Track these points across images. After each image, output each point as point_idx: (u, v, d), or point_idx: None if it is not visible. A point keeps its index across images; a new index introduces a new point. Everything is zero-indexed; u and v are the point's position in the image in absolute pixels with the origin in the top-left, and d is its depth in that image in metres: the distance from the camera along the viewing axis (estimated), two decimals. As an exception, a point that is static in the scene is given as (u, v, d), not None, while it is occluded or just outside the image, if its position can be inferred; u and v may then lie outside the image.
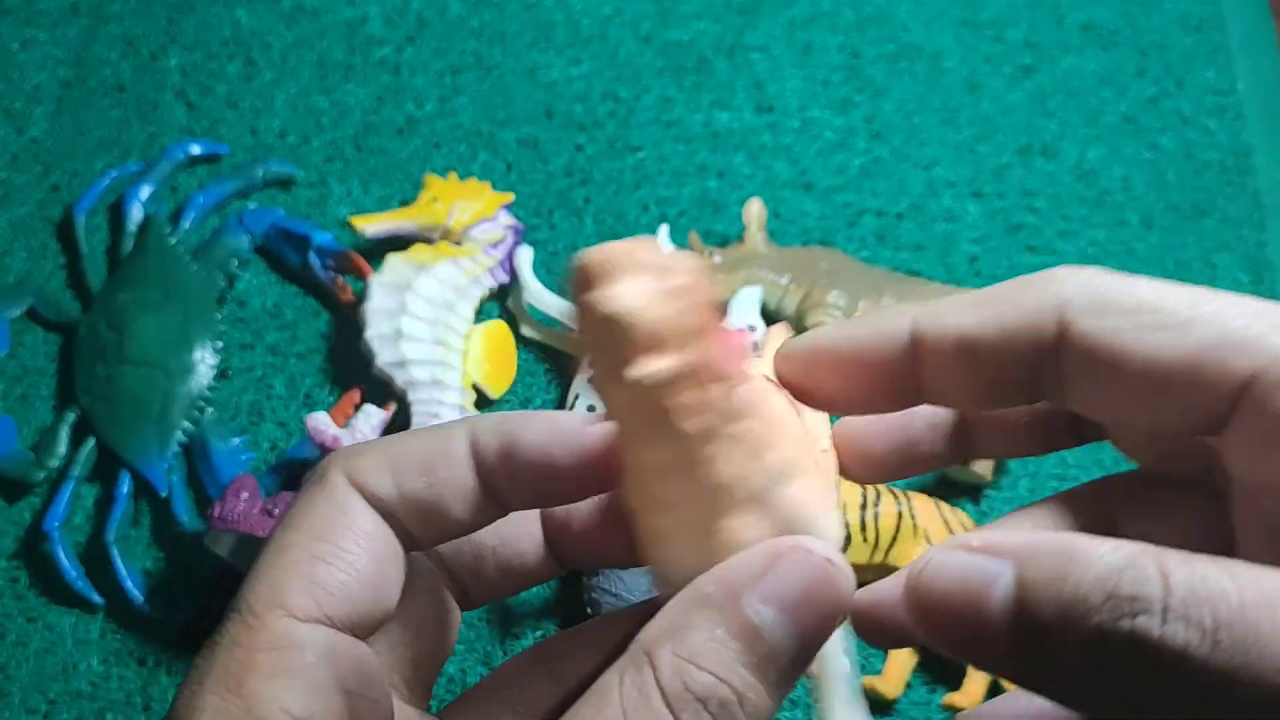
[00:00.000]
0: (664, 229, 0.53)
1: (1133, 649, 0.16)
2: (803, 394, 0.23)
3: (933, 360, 0.21)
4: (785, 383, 0.23)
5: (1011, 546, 0.18)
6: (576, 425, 0.22)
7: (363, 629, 0.21)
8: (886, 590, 0.23)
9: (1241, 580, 0.16)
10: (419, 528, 0.22)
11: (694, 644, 0.19)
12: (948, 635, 0.18)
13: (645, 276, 0.20)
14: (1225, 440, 0.20)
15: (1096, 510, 0.24)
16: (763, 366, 0.23)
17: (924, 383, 0.22)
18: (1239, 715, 0.16)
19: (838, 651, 0.21)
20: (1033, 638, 0.17)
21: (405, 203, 0.55)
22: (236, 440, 0.49)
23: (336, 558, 0.21)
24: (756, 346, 0.47)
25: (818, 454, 0.23)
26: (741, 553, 0.20)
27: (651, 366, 0.19)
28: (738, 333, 0.21)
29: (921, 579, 0.18)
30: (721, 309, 0.21)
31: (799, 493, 0.21)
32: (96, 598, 0.47)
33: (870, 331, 0.22)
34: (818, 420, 0.24)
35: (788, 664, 0.19)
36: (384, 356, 0.48)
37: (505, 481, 0.22)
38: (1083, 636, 0.17)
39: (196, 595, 0.47)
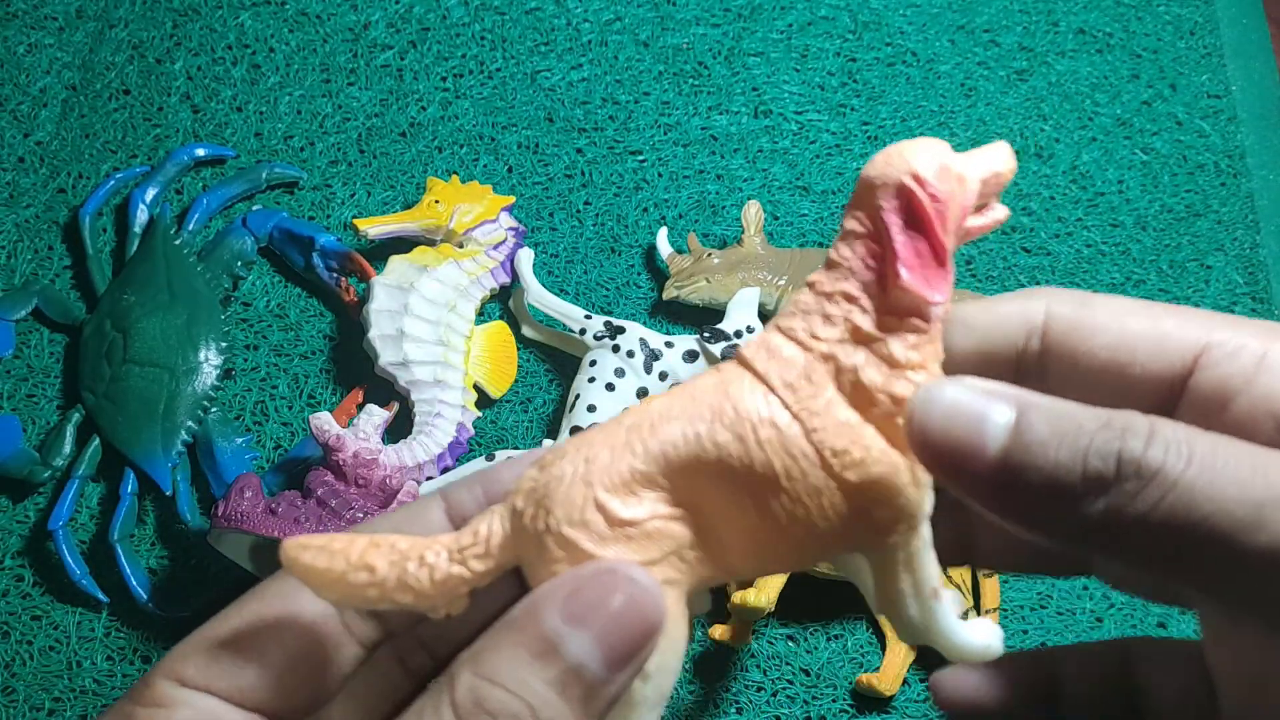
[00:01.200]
0: (663, 231, 0.54)
1: (1121, 470, 0.18)
2: None
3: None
4: None
5: (1009, 391, 0.20)
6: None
7: (264, 710, 0.22)
8: None
9: (1214, 435, 0.19)
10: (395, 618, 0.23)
11: (492, 662, 0.20)
12: (942, 468, 0.20)
13: None
14: (1177, 417, 0.22)
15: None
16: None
17: None
18: (1198, 533, 0.18)
19: (658, 674, 0.21)
20: (1021, 472, 0.19)
21: (408, 205, 0.56)
22: (241, 440, 0.50)
23: (250, 646, 0.22)
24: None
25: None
26: (553, 577, 0.20)
27: None
28: None
29: (925, 406, 0.20)
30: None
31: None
32: (101, 596, 0.47)
33: None
34: None
35: (594, 681, 0.20)
36: (387, 357, 0.49)
37: None
38: (1074, 453, 0.18)
39: (201, 593, 0.48)
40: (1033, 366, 0.23)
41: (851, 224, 0.21)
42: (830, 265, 0.21)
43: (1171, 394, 0.22)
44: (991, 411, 0.19)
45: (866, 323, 0.20)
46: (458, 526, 0.23)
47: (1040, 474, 0.19)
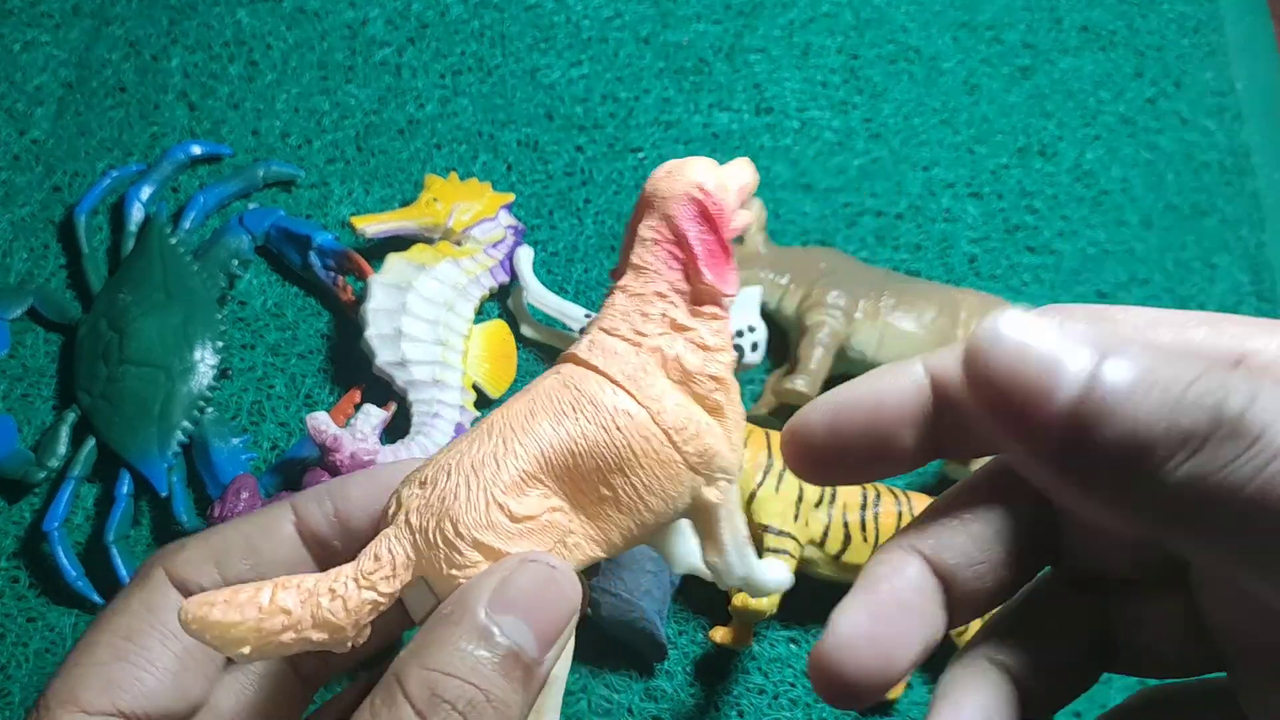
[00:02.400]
0: (664, 229, 0.54)
1: (1219, 428, 0.15)
2: (825, 465, 0.22)
3: (950, 400, 0.21)
4: (809, 457, 0.23)
5: (1100, 338, 0.17)
6: (394, 476, 0.24)
7: (176, 716, 0.23)
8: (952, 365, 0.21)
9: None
10: None
11: (438, 656, 0.21)
12: (998, 415, 0.17)
13: None
14: None
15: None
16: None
17: (943, 430, 0.21)
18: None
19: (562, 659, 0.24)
20: (1090, 437, 0.16)
21: (406, 203, 0.55)
22: (237, 440, 0.50)
23: (138, 656, 0.23)
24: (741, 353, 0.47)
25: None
26: (476, 575, 0.22)
27: None
28: None
29: (987, 346, 0.17)
30: None
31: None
32: (97, 597, 0.47)
33: (884, 377, 0.22)
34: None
35: (530, 662, 0.22)
36: (384, 356, 0.48)
37: (338, 543, 0.24)
38: (1162, 405, 0.16)
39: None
40: None
41: (648, 233, 0.24)
42: (635, 270, 0.25)
43: None
44: (1066, 355, 0.16)
45: (680, 315, 0.24)
46: (306, 539, 0.25)
47: (1119, 428, 0.16)
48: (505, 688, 0.21)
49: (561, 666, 0.24)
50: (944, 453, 0.22)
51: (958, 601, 0.22)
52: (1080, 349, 0.16)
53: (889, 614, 0.22)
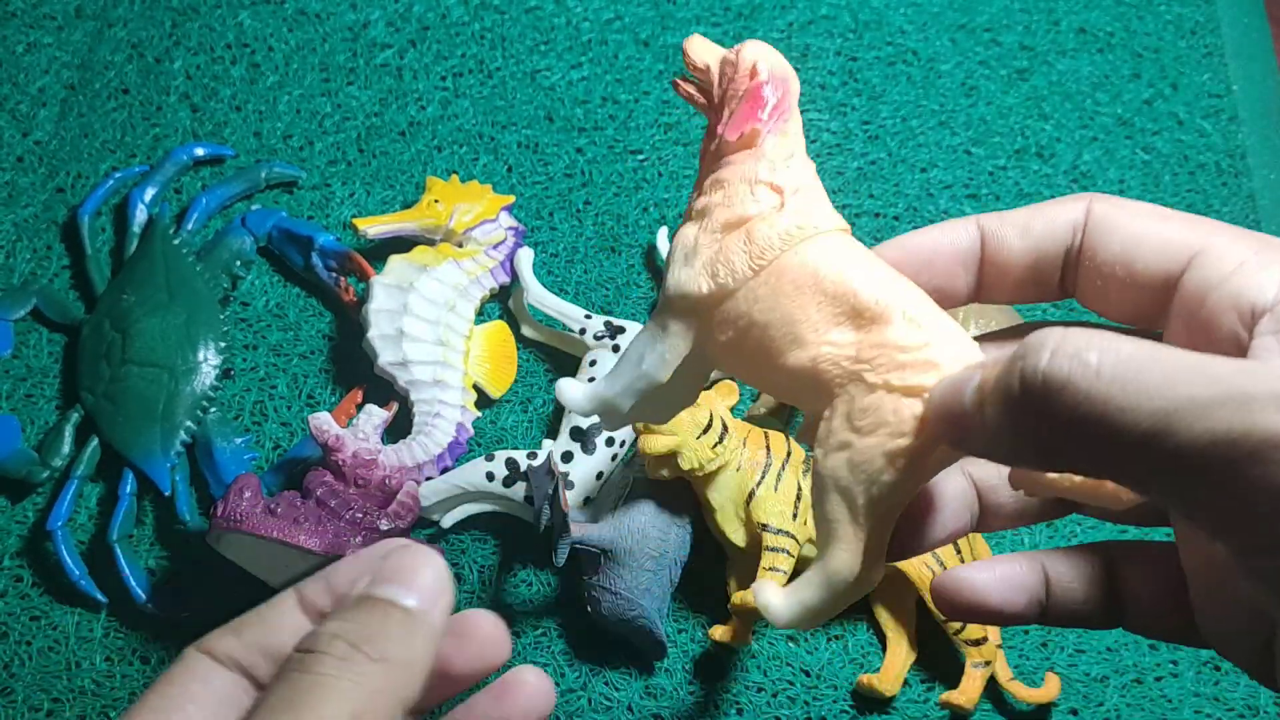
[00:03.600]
0: (663, 230, 0.54)
1: (1029, 382, 0.20)
2: None
3: (994, 247, 0.27)
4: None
5: (987, 359, 0.24)
6: (378, 552, 0.26)
7: None
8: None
9: (1141, 344, 0.20)
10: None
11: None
12: (943, 426, 0.23)
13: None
14: (1167, 323, 0.25)
15: None
16: None
17: (983, 273, 0.27)
18: (1121, 442, 0.19)
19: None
20: (983, 413, 0.22)
21: (407, 205, 0.56)
22: (240, 440, 0.50)
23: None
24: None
25: None
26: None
27: None
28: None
29: (932, 393, 0.24)
30: None
31: None
32: (100, 596, 0.47)
33: (945, 228, 0.27)
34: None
35: (416, 610, 0.23)
36: (386, 357, 0.49)
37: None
38: (1003, 397, 0.21)
39: (200, 593, 0.48)
40: (1073, 262, 0.26)
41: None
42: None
43: (1168, 290, 0.24)
44: (968, 374, 0.23)
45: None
46: (312, 619, 0.25)
47: (988, 407, 0.21)
48: (389, 620, 0.23)
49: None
50: (986, 297, 0.27)
51: (987, 509, 0.28)
52: (974, 375, 0.23)
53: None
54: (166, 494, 0.48)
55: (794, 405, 0.29)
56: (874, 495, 0.24)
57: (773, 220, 0.26)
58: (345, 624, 0.23)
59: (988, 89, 0.60)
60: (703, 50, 0.28)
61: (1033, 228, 0.26)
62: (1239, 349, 0.23)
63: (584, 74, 0.60)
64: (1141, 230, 0.25)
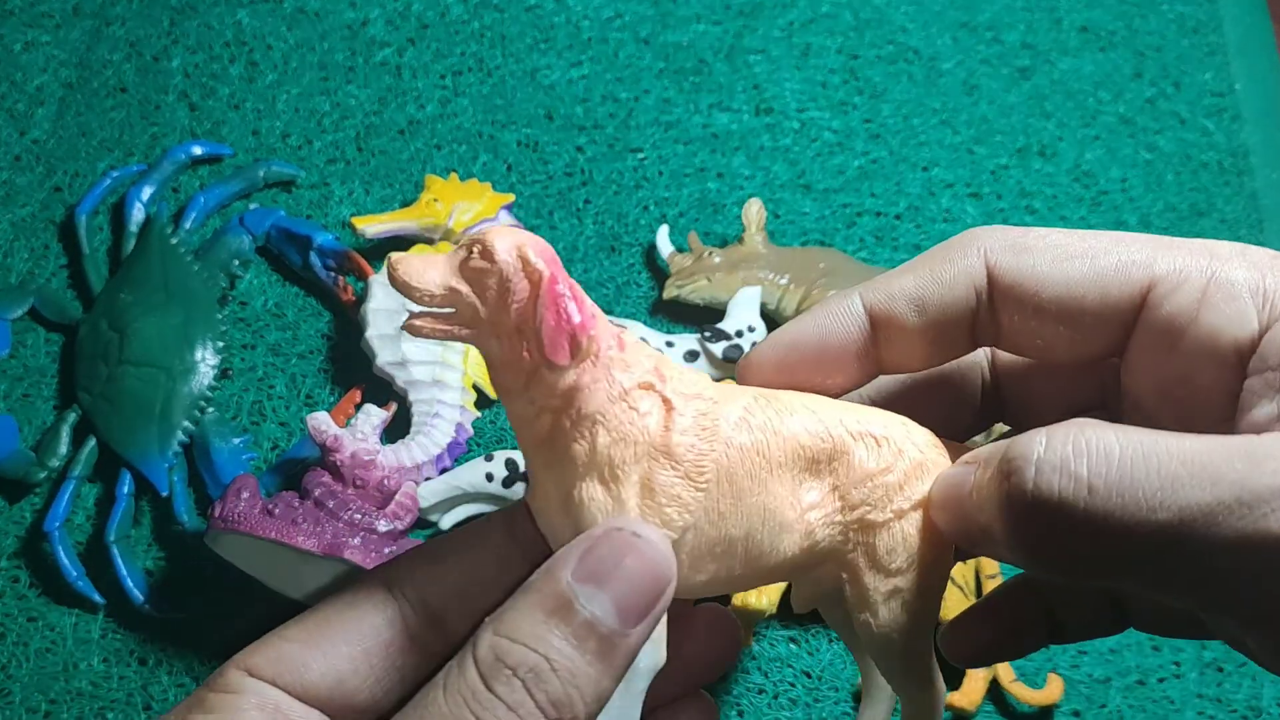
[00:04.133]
0: (664, 229, 0.54)
1: (1019, 504, 0.19)
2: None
3: (887, 327, 0.24)
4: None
5: (981, 453, 0.22)
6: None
7: (330, 708, 0.23)
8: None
9: (1127, 437, 0.18)
10: (455, 611, 0.24)
11: (511, 622, 0.21)
12: (949, 527, 0.22)
13: (447, 257, 0.23)
14: (1126, 359, 0.23)
15: None
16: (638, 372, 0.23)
17: (881, 351, 0.25)
18: (1124, 556, 0.18)
19: (655, 641, 0.23)
20: (979, 513, 0.21)
21: (406, 203, 0.55)
22: (238, 440, 0.50)
23: (318, 641, 0.23)
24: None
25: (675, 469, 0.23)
26: (569, 542, 0.22)
27: (416, 320, 0.23)
28: (572, 327, 0.22)
29: (933, 487, 0.23)
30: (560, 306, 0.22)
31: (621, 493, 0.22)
32: (97, 597, 0.47)
33: (828, 316, 0.25)
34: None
35: (610, 634, 0.21)
36: (385, 356, 0.48)
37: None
38: (996, 503, 0.20)
39: (198, 595, 0.47)
40: (987, 324, 0.24)
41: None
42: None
43: (1124, 331, 0.22)
44: (965, 471, 0.22)
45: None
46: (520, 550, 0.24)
47: (991, 522, 0.21)
48: (575, 658, 0.21)
49: (647, 660, 0.22)
50: (883, 371, 0.26)
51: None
52: (970, 469, 0.22)
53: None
54: (164, 494, 0.48)
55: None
56: (932, 621, 0.24)
57: (679, 424, 0.22)
58: (525, 653, 0.20)
59: (989, 87, 0.60)
60: (422, 271, 0.22)
61: (927, 301, 0.24)
62: (1224, 395, 0.21)
63: (584, 72, 0.59)
64: (1075, 276, 0.22)
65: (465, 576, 0.24)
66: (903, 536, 0.23)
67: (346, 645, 0.23)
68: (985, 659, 0.27)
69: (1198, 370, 0.21)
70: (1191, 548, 0.17)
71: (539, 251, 0.22)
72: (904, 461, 0.23)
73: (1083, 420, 0.19)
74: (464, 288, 0.22)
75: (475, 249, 0.22)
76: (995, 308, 0.23)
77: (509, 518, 0.24)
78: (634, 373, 0.23)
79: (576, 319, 0.22)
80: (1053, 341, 0.23)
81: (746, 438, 0.23)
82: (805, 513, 0.23)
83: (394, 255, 0.23)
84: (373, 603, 0.23)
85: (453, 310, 0.22)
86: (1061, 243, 0.23)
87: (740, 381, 0.25)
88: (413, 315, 0.23)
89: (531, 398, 0.22)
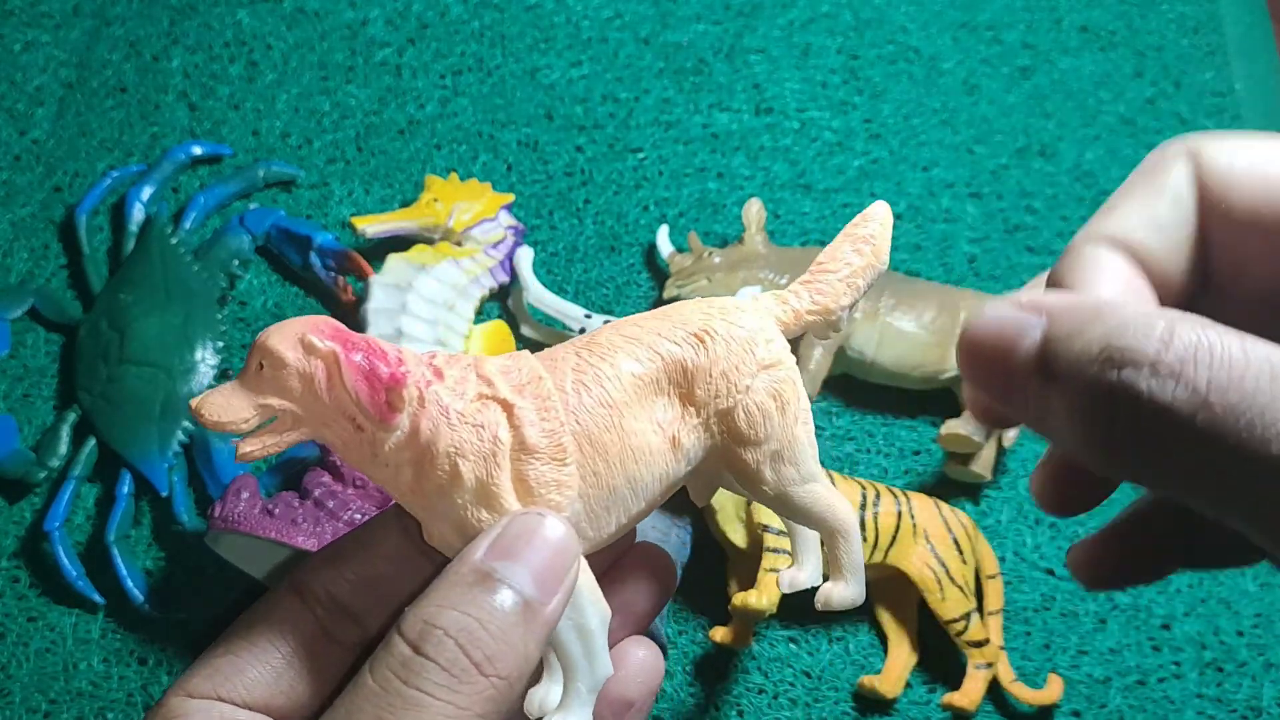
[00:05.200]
0: (664, 229, 0.54)
1: (1119, 402, 0.17)
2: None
3: (1150, 263, 0.21)
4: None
5: (1049, 304, 0.18)
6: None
7: (270, 711, 0.24)
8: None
9: (1255, 351, 0.16)
10: (361, 605, 0.25)
11: (434, 598, 0.22)
12: (982, 376, 0.19)
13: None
14: None
15: None
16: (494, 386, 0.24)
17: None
18: (1227, 481, 0.16)
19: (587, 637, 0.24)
20: (1044, 385, 0.18)
21: (406, 203, 0.55)
22: (237, 440, 0.50)
23: (245, 651, 0.24)
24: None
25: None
26: (478, 534, 0.23)
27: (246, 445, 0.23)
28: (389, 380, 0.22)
29: (971, 325, 0.19)
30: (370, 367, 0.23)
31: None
32: (97, 597, 0.47)
33: (1101, 275, 0.21)
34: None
35: (530, 599, 0.22)
36: (385, 356, 0.48)
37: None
38: (1080, 386, 0.17)
39: (197, 595, 0.47)
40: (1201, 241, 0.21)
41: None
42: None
43: None
44: (1025, 322, 0.19)
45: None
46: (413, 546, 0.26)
47: (1056, 393, 0.18)
48: (504, 619, 0.22)
49: (595, 618, 0.24)
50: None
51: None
52: (1033, 317, 0.19)
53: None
54: (164, 494, 0.48)
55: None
56: (812, 452, 0.26)
57: (523, 418, 0.23)
58: (456, 615, 0.21)
59: (990, 87, 0.60)
60: (226, 405, 0.23)
61: (1160, 217, 0.21)
62: None
63: (584, 72, 0.59)
64: (1264, 174, 0.20)
65: (367, 571, 0.25)
66: (757, 407, 0.24)
67: (273, 648, 0.24)
68: (1122, 584, 0.25)
69: None
70: None
71: (318, 331, 0.22)
72: (730, 345, 0.24)
73: (1194, 318, 0.17)
74: (272, 400, 0.23)
75: (262, 361, 0.23)
76: (1205, 220, 0.21)
77: (400, 517, 0.25)
78: (462, 391, 0.23)
79: (385, 373, 0.22)
80: (1247, 259, 0.21)
81: (587, 398, 0.24)
82: (667, 431, 0.24)
83: (194, 401, 0.23)
84: (286, 607, 0.25)
85: (273, 421, 0.23)
86: (1268, 139, 0.21)
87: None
88: (238, 445, 0.23)
89: (384, 461, 0.23)
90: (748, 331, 0.25)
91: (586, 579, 0.24)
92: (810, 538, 0.28)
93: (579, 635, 0.24)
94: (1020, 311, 0.19)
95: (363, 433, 0.23)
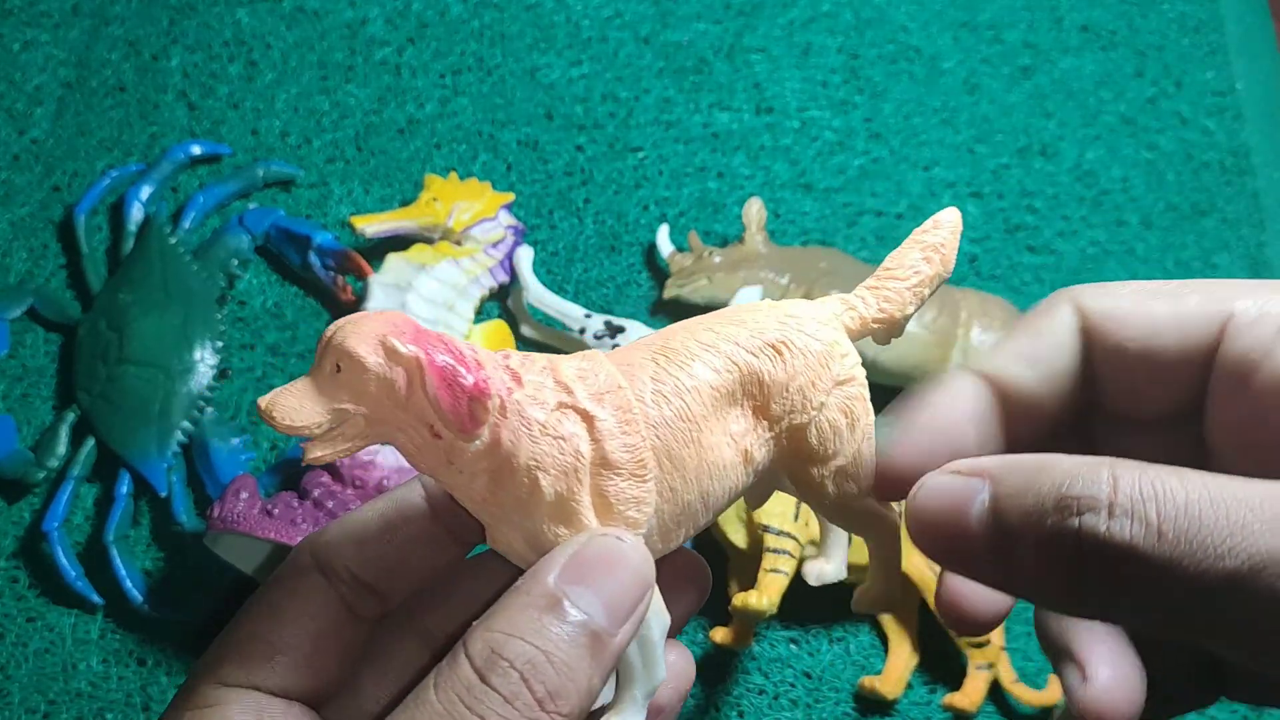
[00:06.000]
0: (664, 229, 0.54)
1: (1083, 545, 0.18)
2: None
3: (1004, 392, 0.24)
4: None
5: (988, 466, 0.20)
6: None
7: (302, 696, 0.24)
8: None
9: (1190, 483, 0.18)
10: (386, 585, 0.25)
11: (502, 620, 0.21)
12: (938, 549, 0.20)
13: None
14: (1206, 406, 0.22)
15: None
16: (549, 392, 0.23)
17: (1009, 420, 0.24)
18: (1188, 604, 0.17)
19: (650, 650, 0.23)
20: (1004, 544, 0.19)
21: (406, 203, 0.55)
22: (236, 440, 0.49)
23: (275, 636, 0.24)
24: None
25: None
26: (553, 550, 0.22)
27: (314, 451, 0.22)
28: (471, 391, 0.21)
29: (916, 498, 0.21)
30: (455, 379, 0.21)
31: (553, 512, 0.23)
32: (96, 598, 0.47)
33: (949, 399, 0.24)
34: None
35: (599, 630, 0.22)
36: (384, 356, 0.48)
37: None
38: (1040, 538, 0.18)
39: (196, 595, 0.47)
40: (1090, 372, 0.23)
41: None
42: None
43: (1204, 370, 0.22)
44: (970, 488, 0.20)
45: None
46: (438, 511, 0.25)
47: (1018, 547, 0.19)
48: (570, 652, 0.21)
49: (658, 629, 0.23)
50: (1013, 440, 0.24)
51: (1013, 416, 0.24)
52: (976, 481, 0.20)
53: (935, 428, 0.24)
54: (163, 495, 0.48)
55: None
56: (871, 467, 0.25)
57: (604, 431, 0.22)
58: (523, 647, 0.21)
59: (990, 87, 0.60)
60: (299, 408, 0.21)
61: (1038, 353, 0.23)
62: None
63: (584, 71, 0.59)
64: (1149, 312, 0.22)
65: (395, 554, 0.25)
66: (830, 424, 0.24)
67: (301, 630, 0.24)
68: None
69: (1272, 409, 0.21)
70: (1259, 596, 0.17)
71: (399, 333, 0.21)
72: (808, 359, 0.24)
73: (1129, 462, 0.18)
74: (347, 404, 0.21)
75: (339, 363, 0.21)
76: (1090, 356, 0.23)
77: (430, 500, 0.25)
78: (542, 399, 0.22)
79: (469, 383, 0.21)
80: (1138, 387, 0.23)
81: (667, 409, 0.23)
82: (740, 444, 0.24)
83: (263, 402, 0.22)
84: (311, 585, 0.25)
85: (344, 425, 0.22)
86: (1147, 285, 0.23)
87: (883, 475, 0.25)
88: (307, 448, 0.22)
89: (459, 469, 0.22)
90: (823, 345, 0.24)
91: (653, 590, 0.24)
92: (840, 533, 0.28)
93: (640, 645, 0.23)
94: (961, 478, 0.20)
95: (440, 440, 0.22)
